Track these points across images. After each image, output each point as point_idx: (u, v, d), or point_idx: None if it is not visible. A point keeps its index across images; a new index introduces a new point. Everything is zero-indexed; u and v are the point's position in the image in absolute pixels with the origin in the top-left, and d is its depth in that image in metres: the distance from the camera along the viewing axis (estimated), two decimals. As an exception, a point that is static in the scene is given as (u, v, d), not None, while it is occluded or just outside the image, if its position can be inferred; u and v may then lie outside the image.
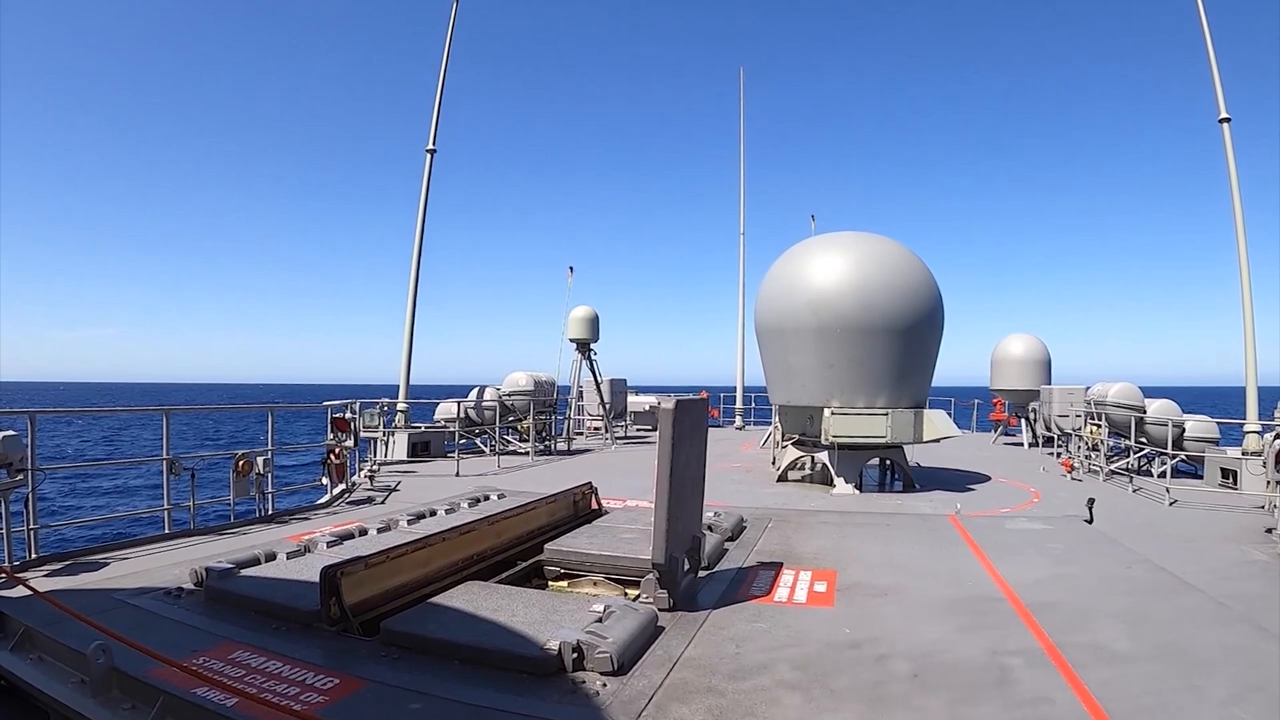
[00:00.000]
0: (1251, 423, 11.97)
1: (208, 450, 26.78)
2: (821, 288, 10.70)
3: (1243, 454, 11.40)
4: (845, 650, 4.32)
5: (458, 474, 12.21)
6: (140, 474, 24.91)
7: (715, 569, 6.07)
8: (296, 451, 16.76)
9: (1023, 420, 18.80)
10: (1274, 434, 9.10)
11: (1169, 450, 10.83)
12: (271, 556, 5.77)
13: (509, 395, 15.81)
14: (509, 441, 16.20)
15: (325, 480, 10.27)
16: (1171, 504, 9.91)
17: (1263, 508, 9.31)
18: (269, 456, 8.92)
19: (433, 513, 7.57)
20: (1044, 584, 5.77)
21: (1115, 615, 5.01)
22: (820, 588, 5.63)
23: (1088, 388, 15.13)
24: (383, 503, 9.74)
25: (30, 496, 6.42)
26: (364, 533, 6.63)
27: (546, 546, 6.39)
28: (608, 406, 19.15)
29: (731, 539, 7.11)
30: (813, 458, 11.91)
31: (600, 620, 4.23)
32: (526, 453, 15.26)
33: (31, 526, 6.39)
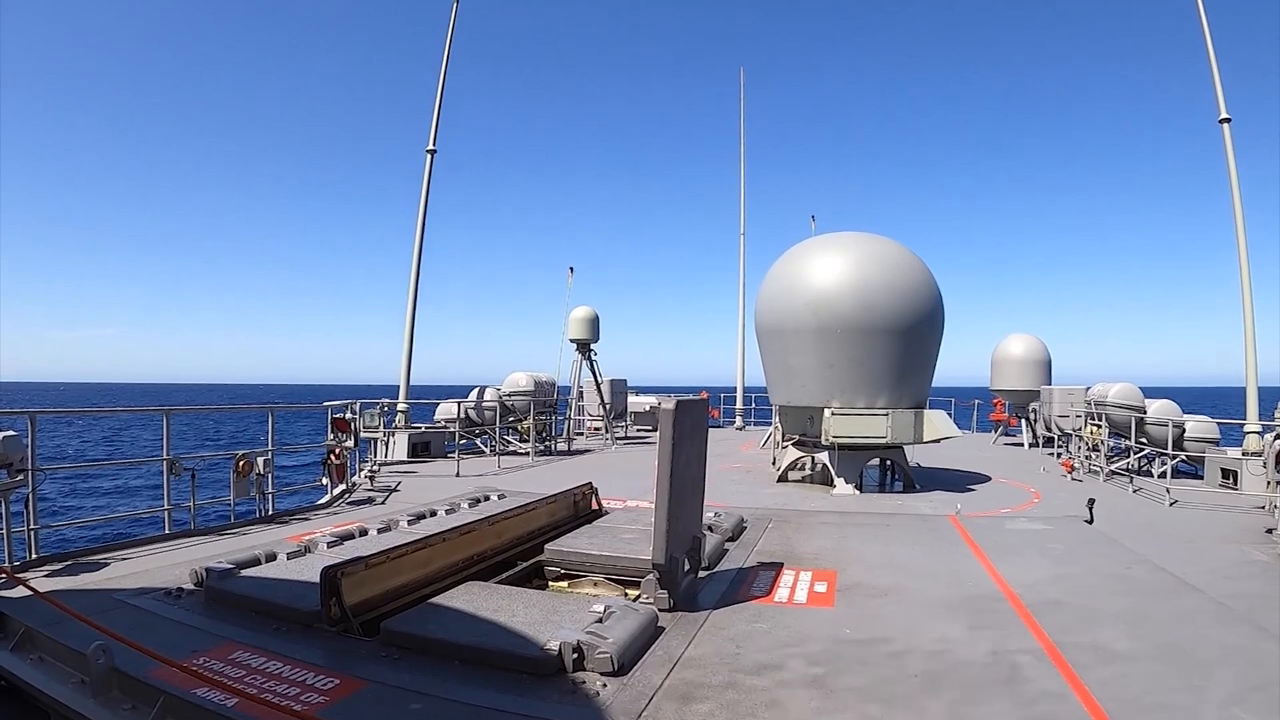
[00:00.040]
0: (1252, 423, 11.97)
1: (208, 451, 26.79)
2: (822, 288, 10.70)
3: (1243, 454, 11.39)
4: (846, 651, 4.32)
5: (458, 474, 12.21)
6: (140, 474, 24.90)
7: (715, 569, 6.07)
8: (297, 452, 16.75)
9: (1023, 420, 18.80)
10: (1274, 434, 9.10)
11: (1169, 450, 10.82)
12: (272, 557, 5.77)
13: (509, 396, 15.81)
14: (509, 442, 16.20)
15: (325, 480, 10.27)
16: (1172, 504, 9.91)
17: (1263, 508, 9.30)
18: (269, 457, 8.92)
19: (433, 513, 7.57)
20: (1044, 584, 5.77)
21: (1116, 615, 5.01)
22: (820, 588, 5.63)
23: (1088, 388, 15.12)
24: (383, 503, 9.74)
25: (30, 497, 6.42)
26: (364, 533, 6.63)
27: (547, 547, 6.39)
28: (608, 407, 19.15)
29: (732, 539, 7.12)
30: (813, 458, 11.91)
31: (600, 621, 4.23)
32: (527, 453, 15.25)
33: (32, 527, 6.39)
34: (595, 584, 6.00)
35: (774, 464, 12.93)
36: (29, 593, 4.71)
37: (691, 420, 5.29)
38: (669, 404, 4.93)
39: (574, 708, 3.51)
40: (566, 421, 18.46)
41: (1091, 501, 8.75)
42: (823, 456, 11.28)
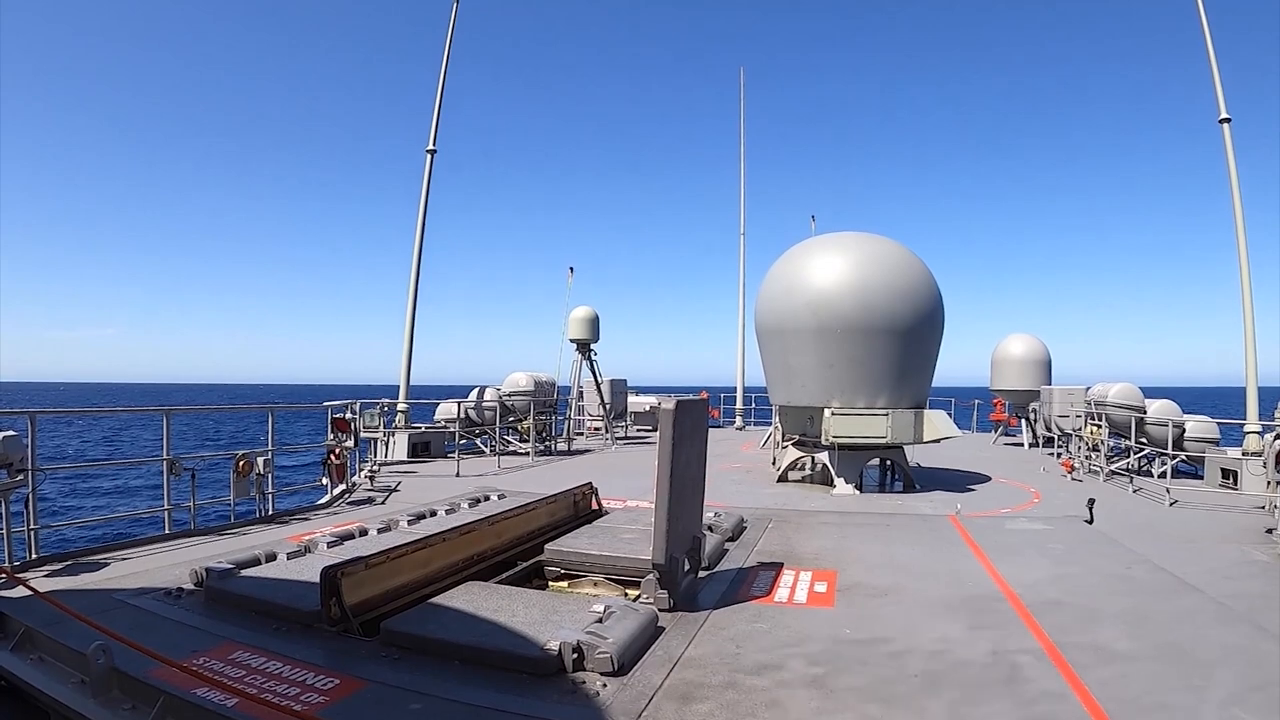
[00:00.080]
0: (1252, 423, 11.97)
1: (208, 451, 26.78)
2: (822, 288, 10.70)
3: (1243, 454, 11.39)
4: (846, 651, 4.32)
5: (458, 474, 12.21)
6: (141, 474, 24.90)
7: (715, 569, 6.07)
8: (297, 452, 16.75)
9: (1023, 420, 18.80)
10: (1274, 434, 9.10)
11: (1169, 450, 10.82)
12: (272, 557, 5.77)
13: (509, 396, 15.81)
14: (509, 442, 16.20)
15: (325, 480, 10.27)
16: (1172, 504, 9.91)
17: (1263, 508, 9.30)
18: (269, 457, 8.92)
19: (433, 513, 7.57)
20: (1044, 584, 5.76)
21: (1116, 615, 5.01)
22: (820, 588, 5.63)
23: (1088, 388, 15.12)
24: (383, 503, 9.74)
25: (31, 497, 6.42)
26: (364, 533, 6.63)
27: (547, 547, 6.39)
28: (608, 407, 19.15)
29: (732, 539, 7.12)
30: (813, 458, 11.91)
31: (600, 621, 4.23)
32: (527, 453, 15.25)
33: (32, 527, 6.39)
34: (595, 584, 6.00)
35: (774, 464, 12.93)
36: (29, 593, 4.70)
37: (691, 420, 5.29)
38: (669, 404, 4.93)
39: (574, 708, 3.51)
40: (566, 421, 18.46)
41: (1091, 501, 8.75)
42: (823, 456, 11.28)
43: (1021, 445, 18.40)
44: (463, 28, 20.16)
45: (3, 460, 6.08)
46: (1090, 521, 8.28)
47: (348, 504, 9.65)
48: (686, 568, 5.38)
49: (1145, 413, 13.27)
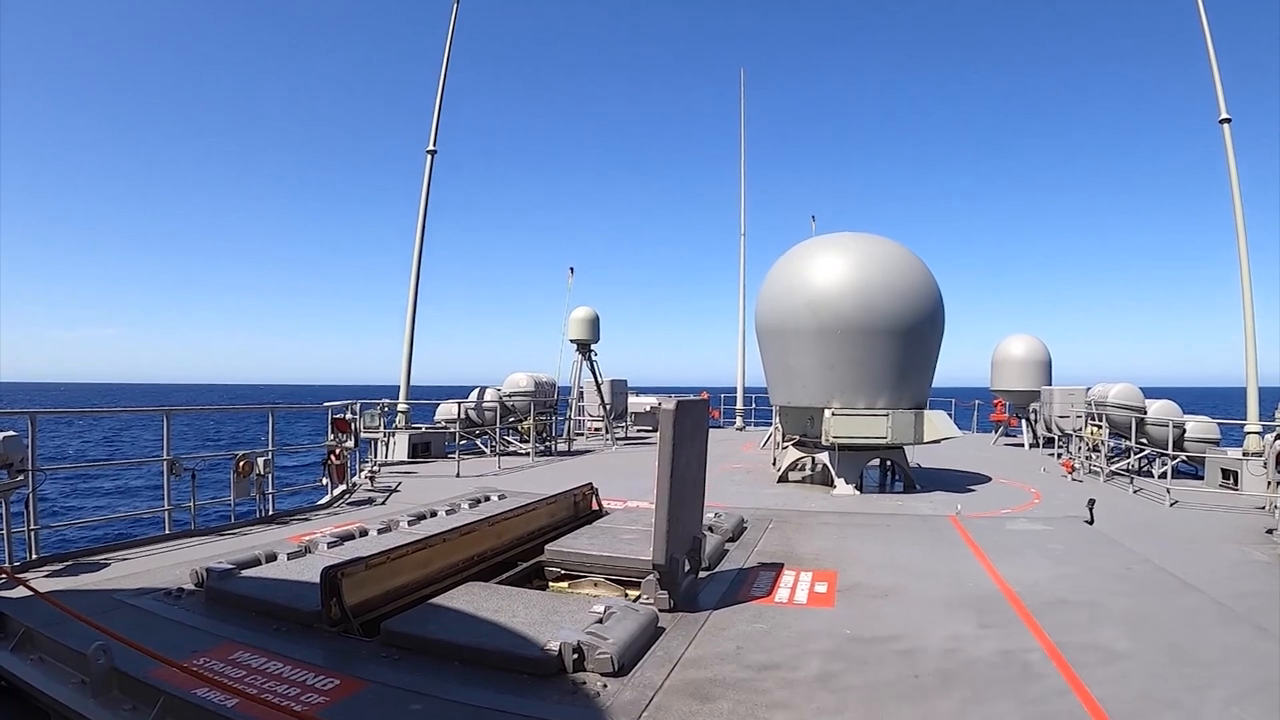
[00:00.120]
0: (1252, 423, 11.98)
1: (208, 451, 26.80)
2: (822, 288, 10.70)
3: (1243, 455, 11.40)
4: (847, 651, 4.32)
5: (458, 475, 12.21)
6: (141, 475, 24.90)
7: (716, 570, 6.07)
8: (297, 452, 16.75)
9: (1023, 421, 18.79)
10: (1274, 434, 9.10)
11: (1169, 451, 10.82)
12: (272, 557, 5.77)
13: (509, 396, 15.81)
14: (509, 442, 16.20)
15: (326, 481, 10.27)
16: (1172, 505, 9.91)
17: (1263, 508, 9.30)
18: (269, 457, 8.93)
19: (433, 513, 7.57)
20: (1045, 585, 5.76)
21: (1116, 616, 5.01)
22: (821, 588, 5.63)
23: (1088, 388, 15.12)
24: (383, 503, 9.74)
25: (31, 497, 6.42)
26: (364, 533, 6.63)
27: (547, 547, 6.39)
28: (608, 407, 19.15)
29: (732, 540, 7.11)
30: (813, 458, 11.90)
31: (601, 621, 4.24)
32: (527, 453, 15.26)
33: (32, 527, 6.39)
34: (595, 584, 6.00)
35: (774, 464, 12.93)
36: (29, 593, 4.70)
37: (692, 421, 5.29)
38: (669, 404, 4.93)
39: (574, 708, 3.51)
40: (567, 422, 18.46)
41: (1092, 502, 8.75)
42: (823, 457, 11.28)
43: (1022, 446, 18.40)
44: (463, 28, 20.18)
45: (3, 460, 6.09)
46: (1090, 522, 8.28)
47: (348, 504, 9.65)
48: (687, 568, 5.38)
49: (1145, 413, 13.27)
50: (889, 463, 12.21)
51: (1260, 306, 12.88)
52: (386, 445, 13.92)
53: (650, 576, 4.97)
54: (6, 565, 5.80)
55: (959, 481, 12.24)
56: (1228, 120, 13.36)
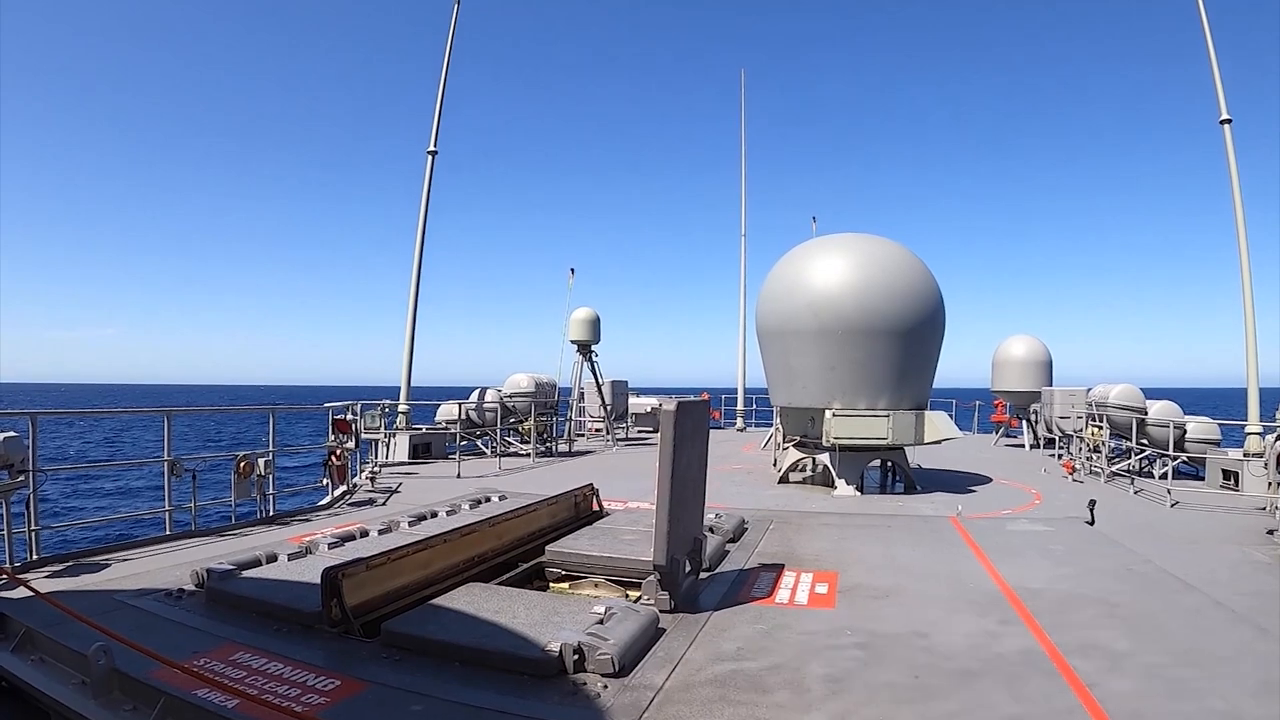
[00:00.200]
0: (1253, 424, 11.97)
1: (209, 452, 26.78)
2: (823, 289, 10.70)
3: (1244, 455, 11.39)
4: (847, 652, 4.32)
5: (459, 475, 12.21)
6: (142, 475, 24.93)
7: (716, 571, 6.07)
8: (298, 453, 16.77)
9: (1024, 422, 18.79)
10: (1275, 435, 9.09)
11: (1170, 452, 10.82)
12: (273, 558, 5.77)
13: (510, 397, 15.82)
14: (510, 443, 16.20)
15: (326, 482, 10.27)
16: (1173, 505, 9.90)
17: (1264, 509, 9.30)
18: (270, 458, 8.93)
19: (434, 514, 7.57)
20: (1045, 585, 5.76)
21: (1117, 616, 5.01)
22: (821, 589, 5.62)
23: (1089, 389, 15.11)
24: (384, 504, 9.74)
25: (31, 498, 6.42)
26: (365, 534, 6.64)
27: (548, 548, 6.39)
28: (609, 408, 19.15)
29: (733, 541, 7.11)
30: (814, 459, 11.91)
31: (601, 622, 4.23)
32: (527, 454, 15.26)
33: (33, 528, 6.39)
34: (596, 585, 5.99)
35: (775, 465, 12.92)
36: (30, 594, 4.71)
37: (692, 422, 5.29)
38: (670, 405, 4.93)
39: (575, 709, 3.51)
40: (567, 423, 18.46)
41: (1092, 503, 8.75)
42: (824, 458, 11.28)
43: (1022, 446, 18.39)
44: (463, 28, 20.20)
45: (4, 461, 6.09)
46: (1091, 523, 8.27)
47: (349, 505, 9.65)
48: (687, 569, 5.38)
49: (1146, 414, 13.26)
50: (890, 464, 12.20)
51: (1261, 307, 12.90)
52: (387, 446, 13.92)
53: (651, 577, 4.97)
54: (7, 566, 5.80)
55: (960, 482, 12.23)
56: (1228, 121, 13.36)
